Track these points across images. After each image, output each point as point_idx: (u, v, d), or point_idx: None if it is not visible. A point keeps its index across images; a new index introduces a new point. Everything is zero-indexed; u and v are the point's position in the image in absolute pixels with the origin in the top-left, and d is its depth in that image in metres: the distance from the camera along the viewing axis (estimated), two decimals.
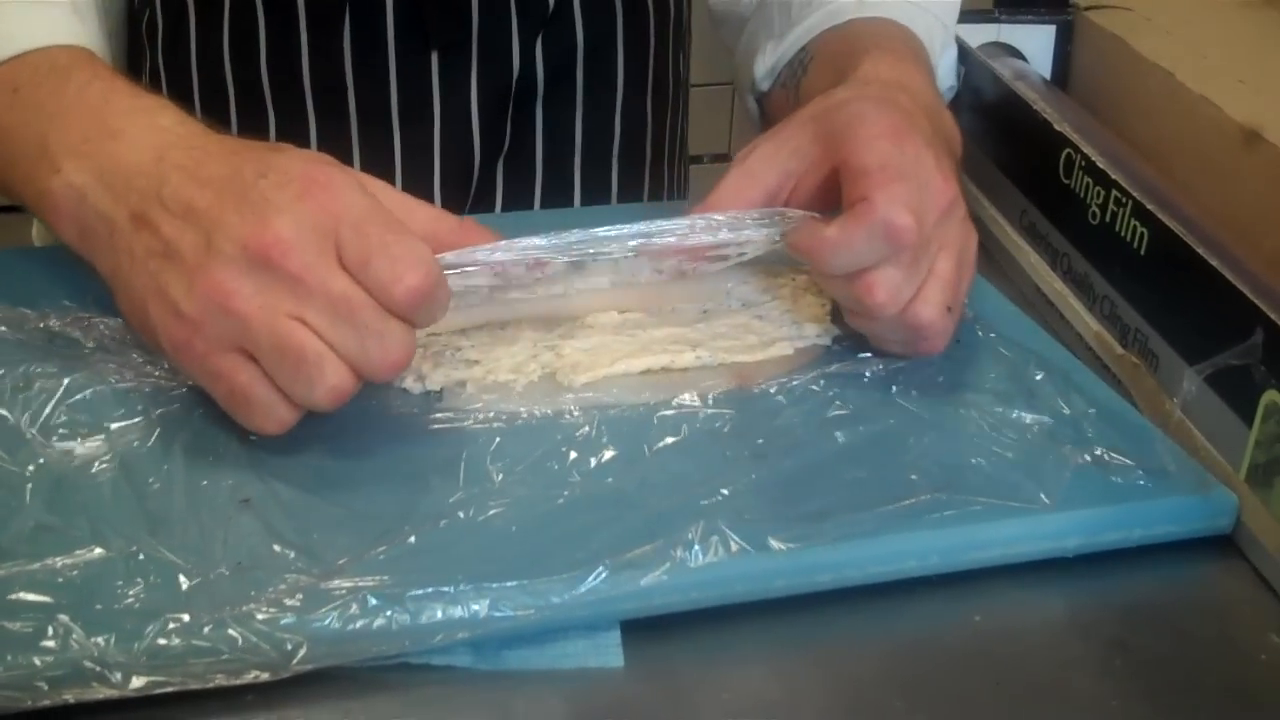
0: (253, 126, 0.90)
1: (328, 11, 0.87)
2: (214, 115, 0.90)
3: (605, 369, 0.64)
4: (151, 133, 0.62)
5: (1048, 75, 0.91)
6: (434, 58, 0.89)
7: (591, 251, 0.63)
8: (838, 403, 0.63)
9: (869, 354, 0.67)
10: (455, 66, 0.89)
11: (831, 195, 0.64)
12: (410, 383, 0.64)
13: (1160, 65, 0.78)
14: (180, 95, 0.91)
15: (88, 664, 0.47)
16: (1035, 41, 0.91)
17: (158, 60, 0.92)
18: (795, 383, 0.65)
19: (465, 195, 0.93)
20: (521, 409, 0.62)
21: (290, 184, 0.56)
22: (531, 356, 0.65)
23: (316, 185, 0.56)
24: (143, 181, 0.60)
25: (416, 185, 0.91)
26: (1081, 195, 0.74)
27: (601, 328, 0.68)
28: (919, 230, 0.60)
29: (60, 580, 0.50)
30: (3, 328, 0.65)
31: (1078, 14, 0.90)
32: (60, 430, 0.59)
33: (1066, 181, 0.76)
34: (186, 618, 0.49)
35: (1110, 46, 0.85)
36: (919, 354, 0.66)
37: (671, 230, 0.64)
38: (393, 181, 0.90)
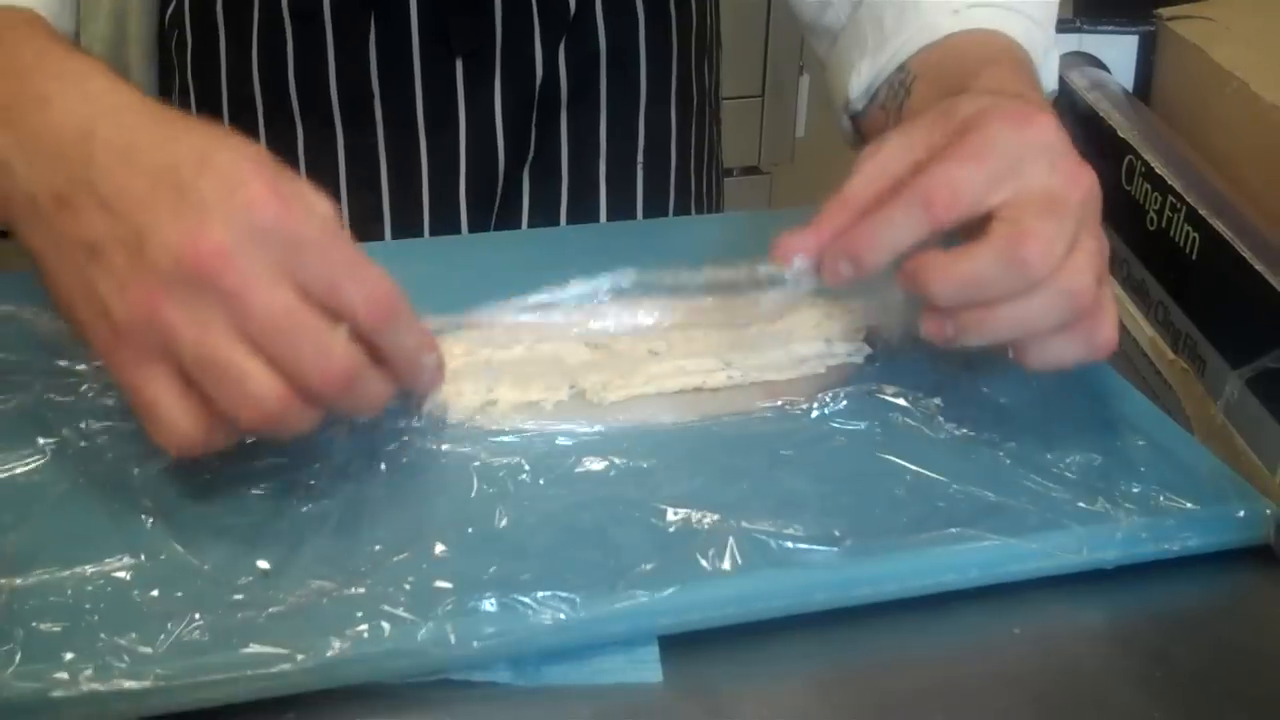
0: (281, 141, 0.90)
1: (354, 22, 0.87)
2: (243, 131, 0.90)
3: (637, 389, 0.64)
4: (81, 101, 0.57)
5: (1130, 86, 0.89)
6: (458, 65, 0.89)
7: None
8: (872, 423, 0.63)
9: (903, 372, 0.66)
10: (479, 74, 0.89)
11: None
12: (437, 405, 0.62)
13: (1235, 74, 0.78)
14: (209, 112, 0.91)
15: (117, 664, 0.47)
16: (1118, 52, 0.90)
17: (187, 79, 0.92)
18: (829, 402, 0.64)
19: (491, 201, 0.93)
20: (551, 425, 0.62)
21: (234, 189, 0.53)
22: (562, 375, 0.65)
23: (269, 196, 0.53)
24: (68, 158, 0.55)
25: (443, 192, 0.91)
26: (1140, 201, 0.74)
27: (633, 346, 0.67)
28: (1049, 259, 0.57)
29: (89, 588, 0.51)
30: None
31: (1160, 24, 0.89)
32: (97, 443, 0.59)
33: (1128, 188, 0.75)
34: (212, 620, 0.49)
35: (1190, 56, 0.84)
36: (1088, 356, 0.60)
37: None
38: (419, 189, 0.90)
